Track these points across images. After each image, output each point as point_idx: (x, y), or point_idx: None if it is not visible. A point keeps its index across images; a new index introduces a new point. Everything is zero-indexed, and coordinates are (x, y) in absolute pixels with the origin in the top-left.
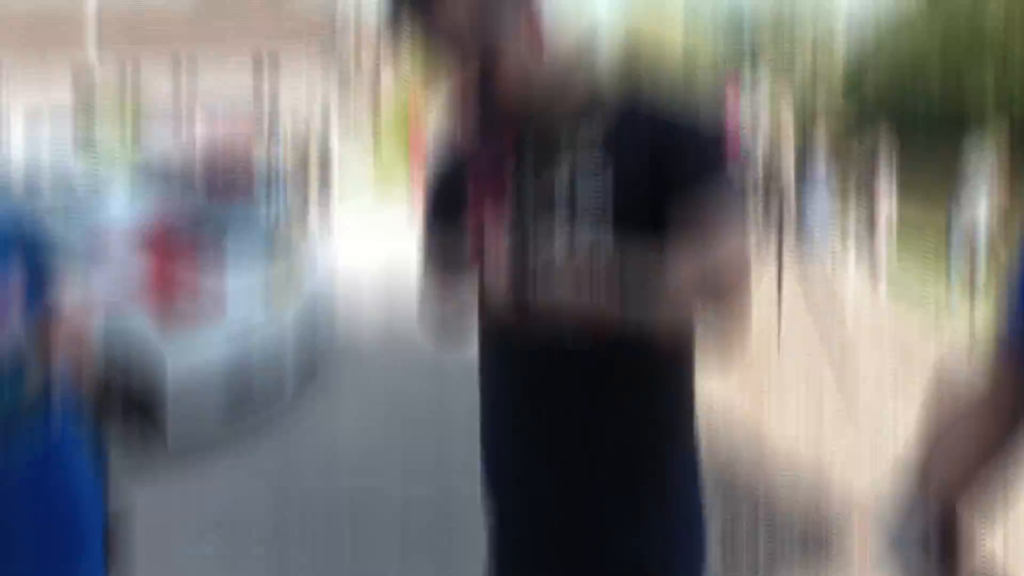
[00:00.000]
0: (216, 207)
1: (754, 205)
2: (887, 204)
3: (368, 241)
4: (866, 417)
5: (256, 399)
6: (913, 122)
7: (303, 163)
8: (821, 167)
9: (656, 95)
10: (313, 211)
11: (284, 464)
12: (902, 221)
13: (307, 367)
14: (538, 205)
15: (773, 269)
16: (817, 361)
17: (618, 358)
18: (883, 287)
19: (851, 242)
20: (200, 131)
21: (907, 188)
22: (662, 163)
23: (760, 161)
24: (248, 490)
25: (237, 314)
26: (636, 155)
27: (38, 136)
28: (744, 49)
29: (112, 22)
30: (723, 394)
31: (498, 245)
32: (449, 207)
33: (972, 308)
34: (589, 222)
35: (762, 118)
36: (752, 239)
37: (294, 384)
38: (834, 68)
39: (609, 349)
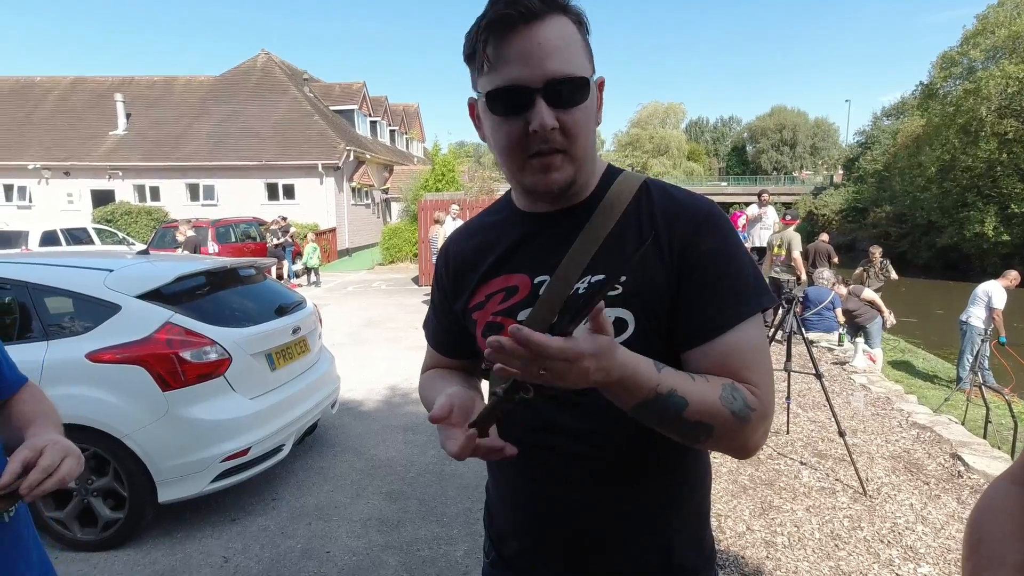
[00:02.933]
0: None
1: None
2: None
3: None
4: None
5: None
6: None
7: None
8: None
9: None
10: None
11: None
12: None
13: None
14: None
15: (783, 349)
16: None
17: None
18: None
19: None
20: None
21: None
22: (679, 236)
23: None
24: None
25: None
26: (652, 228)
27: None
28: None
29: None
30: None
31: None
32: (463, 284)
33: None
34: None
35: (766, 214)
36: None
37: None
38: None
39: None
